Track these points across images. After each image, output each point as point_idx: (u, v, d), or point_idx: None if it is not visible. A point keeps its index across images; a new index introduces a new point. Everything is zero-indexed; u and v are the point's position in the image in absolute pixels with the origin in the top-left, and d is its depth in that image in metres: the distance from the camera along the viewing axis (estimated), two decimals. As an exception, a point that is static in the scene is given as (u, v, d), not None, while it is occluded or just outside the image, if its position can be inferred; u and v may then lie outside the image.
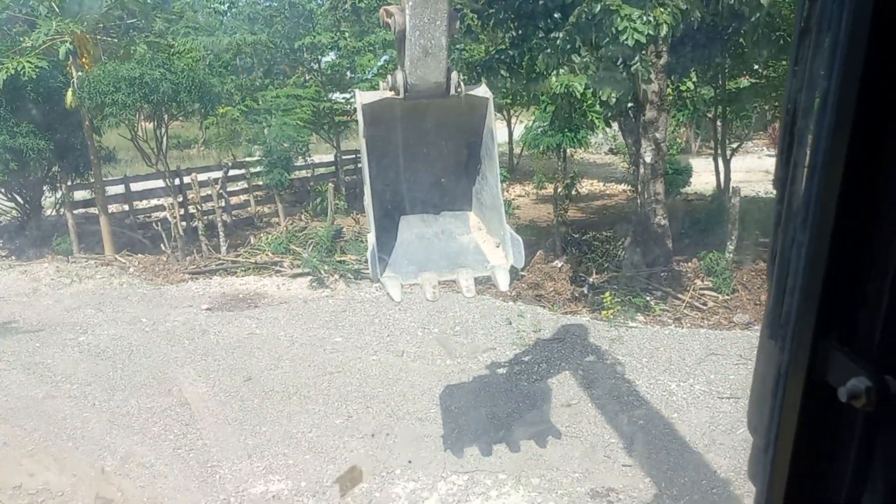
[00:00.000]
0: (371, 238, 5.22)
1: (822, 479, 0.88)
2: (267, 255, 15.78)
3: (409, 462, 7.50)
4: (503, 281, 5.40)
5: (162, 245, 16.08)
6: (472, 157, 5.89)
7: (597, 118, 10.58)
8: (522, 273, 13.28)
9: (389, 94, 5.25)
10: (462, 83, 5.27)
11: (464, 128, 5.83)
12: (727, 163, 16.46)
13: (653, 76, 10.97)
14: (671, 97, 14.09)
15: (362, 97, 5.29)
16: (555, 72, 10.15)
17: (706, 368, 9.23)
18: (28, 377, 9.93)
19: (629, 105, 11.86)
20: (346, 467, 7.49)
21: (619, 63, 10.14)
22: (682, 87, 14.75)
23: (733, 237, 12.35)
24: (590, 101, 10.20)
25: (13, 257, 16.70)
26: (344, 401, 8.91)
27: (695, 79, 14.37)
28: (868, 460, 0.82)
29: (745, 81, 15.52)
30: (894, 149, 0.76)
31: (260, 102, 17.97)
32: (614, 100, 10.39)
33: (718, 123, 16.88)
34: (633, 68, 9.95)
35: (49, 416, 8.76)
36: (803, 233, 0.84)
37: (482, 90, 5.52)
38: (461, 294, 5.53)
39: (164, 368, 10.08)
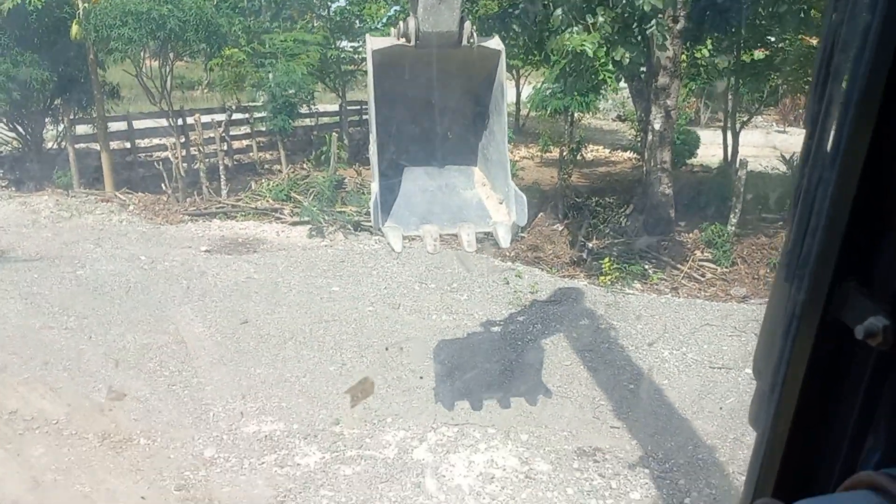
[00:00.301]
0: (375, 187, 5.20)
1: (827, 420, 0.89)
2: (267, 201, 15.73)
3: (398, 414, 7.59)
4: (504, 238, 5.40)
5: (162, 185, 16.00)
6: (480, 112, 5.84)
7: (609, 76, 10.43)
8: (522, 234, 13.28)
9: (400, 41, 5.17)
10: (475, 34, 5.19)
11: (474, 81, 5.76)
12: (735, 136, 16.35)
13: (668, 41, 10.82)
14: (685, 64, 13.92)
15: (373, 43, 5.21)
16: (569, 29, 10.00)
17: (700, 338, 9.30)
18: (25, 307, 9.96)
19: (642, 69, 11.72)
20: (339, 413, 7.58)
21: (634, 26, 10.01)
22: (697, 55, 14.57)
23: (737, 211, 12.33)
24: (602, 60, 10.06)
25: (13, 188, 16.63)
26: (339, 349, 8.97)
27: (710, 47, 14.19)
28: (876, 400, 0.83)
29: (759, 54, 15.33)
30: None
31: (266, 46, 17.73)
32: (627, 60, 10.23)
33: (730, 95, 16.72)
34: (648, 32, 9.82)
35: (45, 346, 8.81)
36: (831, 171, 0.83)
37: (495, 42, 5.43)
38: (462, 248, 5.53)
39: (161, 306, 10.12)
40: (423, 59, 5.36)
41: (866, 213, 0.80)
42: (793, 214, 0.95)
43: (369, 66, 5.23)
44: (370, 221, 5.30)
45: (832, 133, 0.85)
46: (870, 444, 0.84)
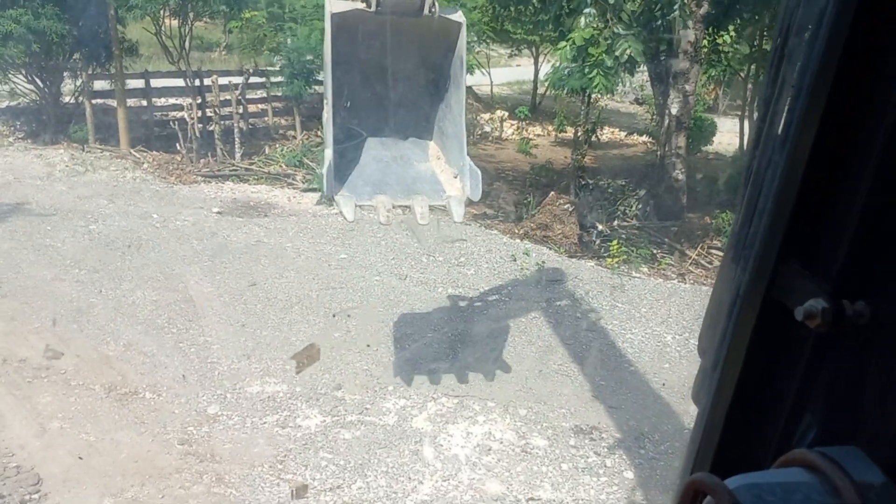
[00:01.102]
0: (328, 154, 5.20)
1: (765, 398, 0.90)
2: (280, 166, 15.78)
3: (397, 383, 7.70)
4: (458, 212, 5.41)
5: (177, 145, 16.04)
6: (439, 84, 5.81)
7: (601, 75, 10.36)
8: (533, 212, 13.30)
9: (361, 5, 5.15)
10: (437, 4, 5.15)
11: (433, 52, 5.72)
12: (752, 125, 16.24)
13: (690, 24, 10.72)
14: (706, 49, 13.80)
15: (332, 5, 5.14)
16: (585, 10, 9.92)
17: (703, 325, 9.32)
18: (38, 258, 10.08)
19: (662, 52, 11.64)
20: (342, 378, 7.69)
21: (657, 9, 9.93)
22: (719, 41, 14.44)
23: (747, 200, 12.29)
24: (600, 57, 9.98)
25: (29, 140, 16.72)
26: (344, 316, 9.06)
27: (733, 33, 14.05)
28: (813, 381, 0.84)
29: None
30: (885, 73, 0.75)
31: (287, 10, 17.63)
32: (626, 56, 10.13)
33: (749, 84, 16.57)
34: (670, 16, 9.74)
35: (56, 298, 8.94)
36: (781, 154, 0.84)
37: (457, 15, 5.40)
38: (415, 220, 5.56)
39: (171, 265, 10.22)
40: (383, 26, 5.34)
41: (812, 196, 0.81)
42: (742, 196, 0.97)
43: (327, 30, 5.16)
44: (324, 187, 5.27)
45: (783, 116, 0.86)
46: (806, 422, 0.86)
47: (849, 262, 0.79)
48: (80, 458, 6.25)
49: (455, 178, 5.62)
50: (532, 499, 6.18)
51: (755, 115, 16.19)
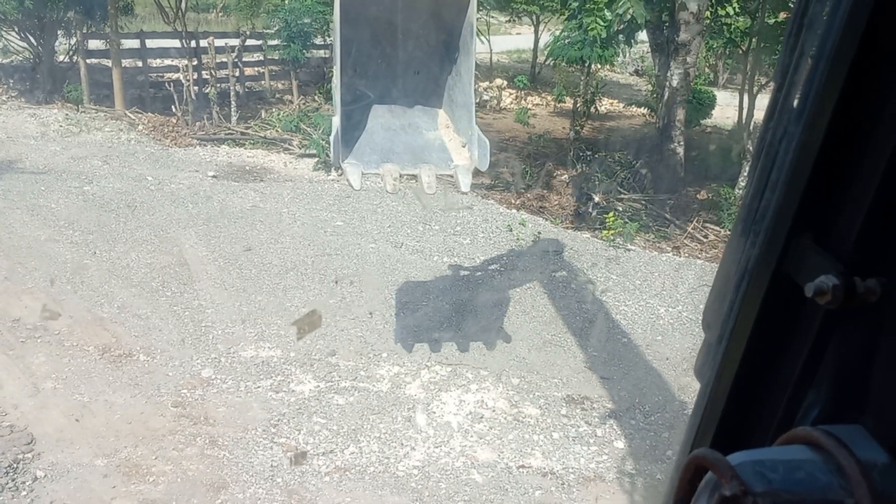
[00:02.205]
0: (336, 122, 5.14)
1: (770, 375, 0.89)
2: (277, 131, 15.66)
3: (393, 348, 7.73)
4: (465, 182, 5.38)
5: (173, 107, 15.89)
6: (449, 52, 5.75)
7: (599, 24, 10.20)
8: (531, 183, 13.26)
9: None
10: None
11: (443, 18, 5.64)
12: (752, 99, 16.15)
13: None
14: (708, 21, 13.66)
15: None
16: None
17: (697, 298, 9.36)
18: (32, 218, 10.03)
19: (665, 24, 11.52)
20: (336, 344, 7.71)
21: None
22: (721, 13, 14.29)
23: (745, 174, 12.27)
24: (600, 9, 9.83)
25: (23, 99, 16.52)
26: (339, 283, 9.06)
27: (736, 6, 13.90)
28: (820, 358, 0.83)
29: (784, 17, 15.01)
30: None
31: (285, -29, 17.39)
32: (630, 15, 9.99)
33: (750, 58, 16.44)
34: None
35: (50, 258, 8.91)
36: (797, 125, 0.81)
37: None
38: (422, 190, 5.53)
39: (166, 228, 10.18)
40: None
41: (827, 170, 0.79)
42: (754, 168, 0.94)
43: None
44: (331, 155, 5.22)
45: (801, 87, 0.83)
46: (810, 400, 0.84)
47: (862, 239, 0.77)
48: (77, 419, 6.29)
49: (463, 147, 5.58)
50: (523, 466, 6.24)
51: (755, 89, 16.12)
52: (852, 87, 0.75)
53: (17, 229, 9.66)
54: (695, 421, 0.97)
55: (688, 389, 7.37)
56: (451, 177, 5.58)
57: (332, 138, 5.10)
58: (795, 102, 0.84)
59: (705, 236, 11.63)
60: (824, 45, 0.77)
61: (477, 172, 5.47)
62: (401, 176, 5.40)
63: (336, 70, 5.15)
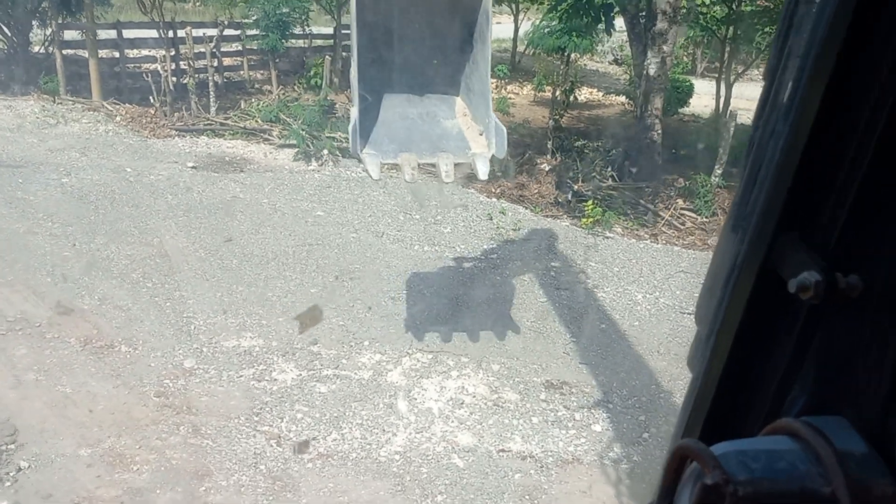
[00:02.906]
0: (354, 112, 5.18)
1: (757, 367, 0.92)
2: (256, 121, 15.60)
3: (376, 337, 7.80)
4: (483, 169, 5.44)
5: (151, 98, 15.77)
6: (465, 41, 5.79)
7: None
8: (510, 172, 13.34)
9: None
10: None
11: (459, 7, 5.69)
12: (729, 87, 16.32)
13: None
14: (684, 9, 13.77)
15: None
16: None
17: (674, 284, 9.52)
18: (9, 210, 9.97)
19: (642, 13, 11.62)
20: (318, 333, 7.77)
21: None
22: (697, 1, 14.41)
23: (722, 162, 12.43)
24: None
25: (-3, 91, 16.35)
26: (321, 272, 9.11)
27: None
28: (804, 352, 0.86)
29: (759, 5, 15.18)
30: (891, 48, 0.74)
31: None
32: None
33: (727, 46, 16.60)
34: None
35: (29, 251, 8.88)
36: (784, 124, 0.84)
37: None
38: (440, 178, 5.58)
39: (146, 219, 10.17)
40: None
41: (813, 168, 0.81)
42: (744, 165, 0.98)
43: None
44: (350, 145, 5.25)
45: (788, 87, 0.86)
46: (795, 392, 0.88)
47: (845, 236, 0.80)
48: (56, 407, 6.31)
49: (480, 135, 5.61)
50: (503, 450, 6.35)
51: (732, 77, 16.30)
52: (836, 88, 0.78)
53: (-6, 222, 9.61)
54: (684, 413, 0.99)
55: (664, 374, 7.52)
56: (469, 164, 5.63)
57: (350, 128, 5.12)
58: (784, 102, 0.87)
59: (682, 223, 11.79)
60: (810, 46, 0.80)
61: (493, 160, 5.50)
62: (419, 165, 5.42)
63: (353, 61, 5.16)
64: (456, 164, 5.55)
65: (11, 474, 5.56)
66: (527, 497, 5.89)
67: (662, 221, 11.78)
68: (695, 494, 0.74)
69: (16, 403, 6.34)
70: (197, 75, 16.20)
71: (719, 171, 12.43)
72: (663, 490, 0.81)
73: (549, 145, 14.55)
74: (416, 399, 6.93)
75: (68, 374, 6.81)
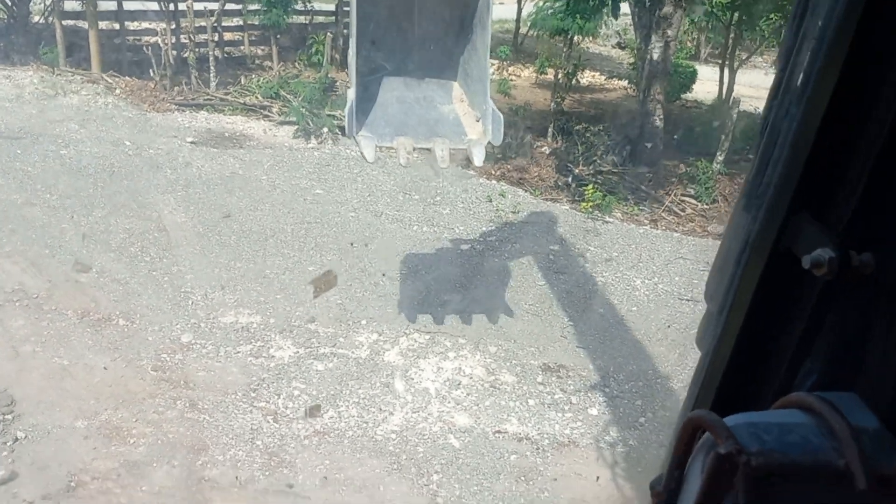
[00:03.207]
0: (351, 93, 5.15)
1: (769, 342, 0.92)
2: (256, 97, 15.49)
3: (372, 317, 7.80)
4: (478, 156, 5.42)
5: (151, 71, 15.64)
6: (464, 26, 5.75)
7: None
8: (511, 154, 13.29)
9: None
10: None
11: None
12: (732, 74, 16.23)
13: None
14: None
15: None
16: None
17: (672, 270, 9.52)
18: (7, 181, 9.91)
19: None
20: (315, 311, 7.77)
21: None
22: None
23: (724, 148, 12.39)
24: None
25: (-4, 60, 16.19)
26: (319, 250, 9.09)
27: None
28: (817, 328, 0.87)
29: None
30: None
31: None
32: None
33: (731, 32, 16.49)
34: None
35: (27, 222, 8.84)
36: (798, 105, 0.85)
37: None
38: (435, 163, 5.56)
39: (144, 193, 10.12)
40: None
41: (827, 148, 0.82)
42: (758, 145, 0.98)
43: None
44: (345, 126, 5.24)
45: (803, 69, 0.87)
46: (807, 368, 0.88)
47: (858, 214, 0.81)
48: (53, 379, 6.31)
49: (477, 121, 5.58)
50: (499, 431, 6.38)
51: (735, 64, 16.21)
52: (850, 70, 0.78)
53: (-8, 192, 9.56)
54: (695, 387, 1.00)
55: (662, 359, 7.54)
56: (465, 150, 5.61)
57: (346, 110, 5.10)
58: (798, 83, 0.87)
59: (682, 210, 11.77)
60: (825, 28, 0.81)
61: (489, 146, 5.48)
62: (414, 149, 5.40)
63: (352, 42, 5.12)
64: (451, 150, 5.53)
65: (8, 444, 5.57)
66: (522, 478, 5.92)
67: (663, 207, 11.76)
68: (707, 464, 0.74)
69: (13, 374, 6.33)
70: (197, 49, 16.05)
71: (721, 158, 12.40)
72: (675, 460, 0.82)
73: (551, 128, 14.49)
74: (412, 379, 6.95)
75: (66, 347, 6.80)
